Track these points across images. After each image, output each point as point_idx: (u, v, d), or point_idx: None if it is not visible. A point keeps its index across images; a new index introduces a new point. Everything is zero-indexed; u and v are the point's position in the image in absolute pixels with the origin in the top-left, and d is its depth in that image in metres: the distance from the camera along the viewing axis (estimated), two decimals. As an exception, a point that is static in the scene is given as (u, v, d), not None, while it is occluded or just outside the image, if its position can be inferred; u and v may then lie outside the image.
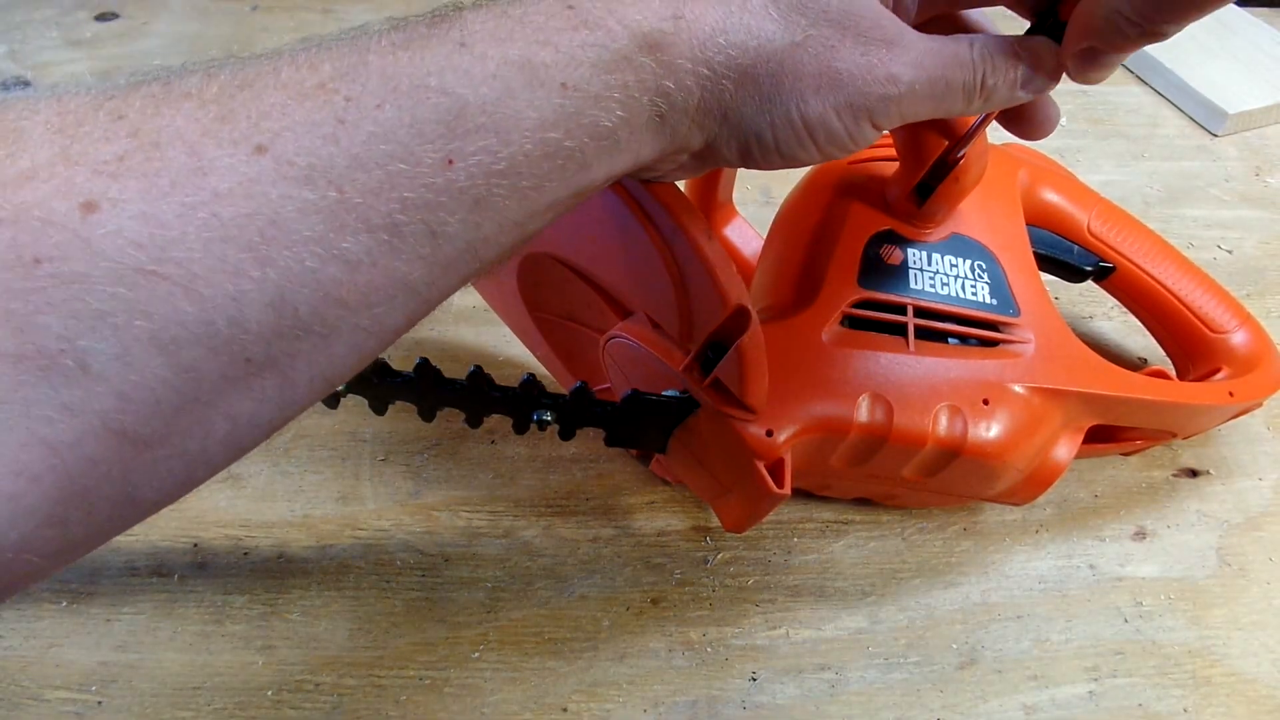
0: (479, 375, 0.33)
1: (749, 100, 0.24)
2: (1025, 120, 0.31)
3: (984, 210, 0.38)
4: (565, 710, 0.37)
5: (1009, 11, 0.29)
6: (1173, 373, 0.46)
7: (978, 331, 0.36)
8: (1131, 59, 0.74)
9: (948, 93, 0.26)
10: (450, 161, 0.20)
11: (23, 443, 0.17)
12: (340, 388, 0.33)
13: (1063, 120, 0.68)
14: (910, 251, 0.36)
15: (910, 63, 0.25)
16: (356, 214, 0.19)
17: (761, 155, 0.25)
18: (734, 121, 0.24)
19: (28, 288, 0.17)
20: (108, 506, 0.19)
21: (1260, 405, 0.45)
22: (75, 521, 0.19)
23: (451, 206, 0.20)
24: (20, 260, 0.17)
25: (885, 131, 0.26)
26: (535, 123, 0.21)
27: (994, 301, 0.36)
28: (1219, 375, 0.44)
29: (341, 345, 0.21)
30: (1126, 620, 0.40)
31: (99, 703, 0.36)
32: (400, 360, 0.33)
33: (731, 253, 0.48)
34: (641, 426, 0.35)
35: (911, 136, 0.33)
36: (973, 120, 0.32)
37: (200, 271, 0.18)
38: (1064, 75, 0.27)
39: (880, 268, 0.36)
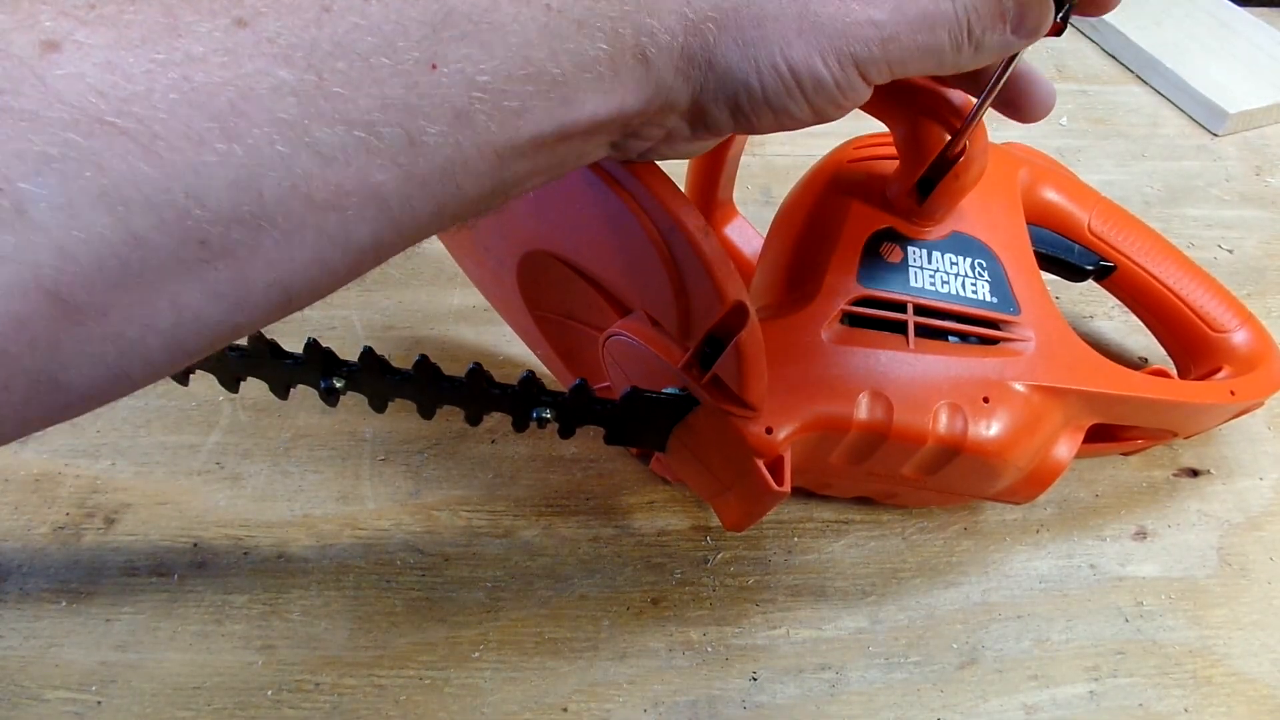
0: (478, 373, 0.33)
1: (732, 45, 0.24)
2: (1020, 102, 0.30)
3: (984, 208, 0.38)
4: (565, 710, 0.37)
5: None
6: (1174, 372, 0.46)
7: (978, 329, 0.36)
8: (1132, 59, 0.74)
9: (933, 41, 0.25)
10: (434, 66, 0.19)
11: None
12: (339, 384, 0.33)
13: (1063, 120, 0.69)
14: (910, 249, 0.36)
15: (889, 7, 0.24)
16: (334, 104, 0.19)
17: (752, 110, 0.25)
18: (720, 69, 0.24)
19: None
20: (25, 383, 0.17)
21: (1261, 405, 0.44)
22: None
23: (432, 114, 0.20)
24: None
25: (878, 84, 0.26)
26: (519, 39, 0.20)
27: (994, 299, 0.36)
28: (1220, 374, 0.44)
29: (304, 249, 0.19)
30: (1127, 620, 0.40)
31: (98, 703, 0.36)
32: (400, 359, 0.33)
33: (732, 252, 0.48)
34: (641, 424, 0.35)
35: (911, 132, 0.33)
36: (970, 108, 0.32)
37: (162, 133, 0.17)
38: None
39: (880, 265, 0.36)
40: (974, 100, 0.32)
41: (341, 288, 0.22)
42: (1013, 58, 0.28)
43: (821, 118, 0.26)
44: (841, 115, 0.26)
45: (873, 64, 0.25)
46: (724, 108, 0.25)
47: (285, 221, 0.19)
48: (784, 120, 0.25)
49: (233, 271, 0.19)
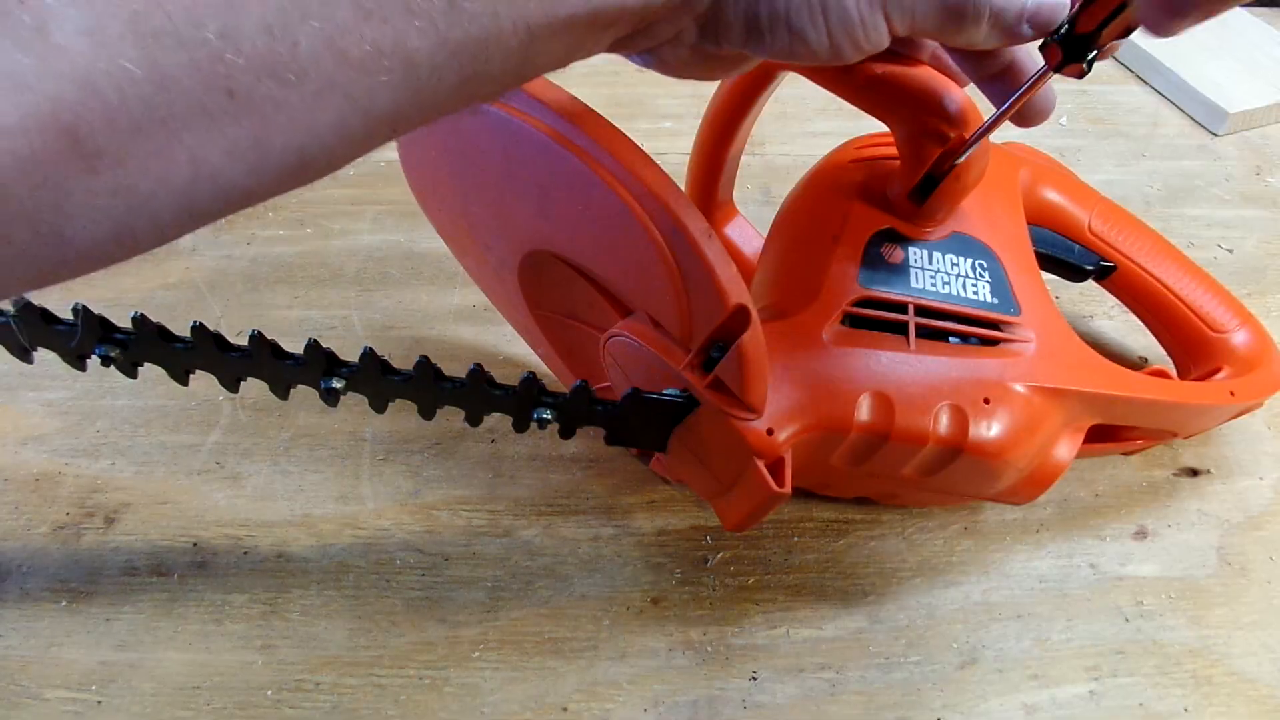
0: (479, 373, 0.33)
1: None
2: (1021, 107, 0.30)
3: (985, 209, 0.38)
4: (565, 710, 0.37)
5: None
6: (1173, 372, 0.46)
7: (979, 330, 0.36)
8: (1132, 59, 0.74)
9: (959, 7, 0.25)
10: None
11: None
12: (339, 385, 0.33)
13: (1063, 120, 0.69)
14: (911, 250, 0.36)
15: None
16: None
17: (770, 25, 0.24)
18: None
19: None
20: (26, 233, 0.16)
21: (1261, 405, 0.45)
22: None
23: None
24: None
25: (897, 34, 0.25)
26: None
27: (995, 300, 0.36)
28: (1220, 375, 0.44)
29: (328, 112, 0.18)
30: (1127, 620, 0.40)
31: (98, 702, 0.36)
32: (400, 359, 0.33)
33: (732, 252, 0.48)
34: (642, 425, 0.35)
35: (913, 134, 0.33)
36: (971, 109, 0.32)
37: None
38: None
39: (881, 266, 0.36)
40: (973, 98, 0.32)
41: (353, 159, 0.21)
42: (1039, 79, 0.28)
43: (836, 53, 0.25)
44: (857, 56, 0.26)
45: (897, 6, 0.25)
46: (740, 16, 0.24)
47: (316, 79, 0.18)
48: (796, 45, 0.25)
49: (256, 129, 0.17)
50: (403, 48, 0.18)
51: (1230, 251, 0.58)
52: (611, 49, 0.25)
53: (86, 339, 0.32)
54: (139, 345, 0.32)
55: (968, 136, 0.32)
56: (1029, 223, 0.40)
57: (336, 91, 0.18)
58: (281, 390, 0.35)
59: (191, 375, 0.35)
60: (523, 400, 0.34)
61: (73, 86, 0.15)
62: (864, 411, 0.33)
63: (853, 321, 0.35)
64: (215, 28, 0.16)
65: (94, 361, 0.33)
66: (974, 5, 0.25)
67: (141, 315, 0.31)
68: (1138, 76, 0.74)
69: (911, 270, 0.36)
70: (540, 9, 0.20)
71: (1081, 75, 0.27)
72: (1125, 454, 0.46)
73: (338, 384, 0.33)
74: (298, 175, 0.19)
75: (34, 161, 0.15)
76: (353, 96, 0.18)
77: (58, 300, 0.29)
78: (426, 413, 0.35)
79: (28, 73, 0.14)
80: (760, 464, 0.32)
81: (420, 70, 0.19)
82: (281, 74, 0.17)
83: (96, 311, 0.31)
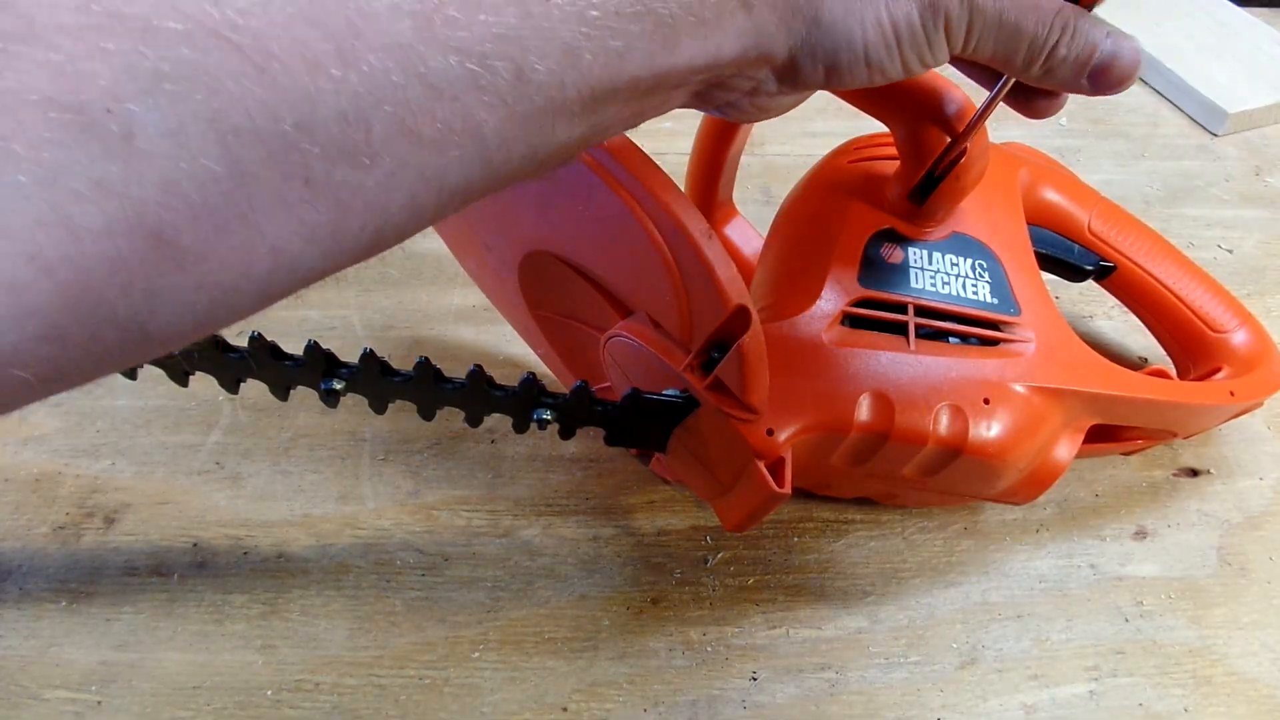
0: (479, 374, 0.33)
1: (838, 1, 0.24)
2: (1032, 95, 0.30)
3: (985, 209, 0.38)
4: (565, 710, 0.37)
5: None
6: (1173, 372, 0.46)
7: (978, 330, 0.36)
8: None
9: (1016, 38, 0.25)
10: None
11: (40, 219, 0.14)
12: (339, 386, 0.33)
13: (1062, 120, 0.69)
14: (911, 250, 0.36)
15: None
16: (450, 30, 0.17)
17: (849, 67, 0.25)
18: (825, 25, 0.24)
19: (79, 23, 0.14)
20: (115, 333, 0.16)
21: (1261, 405, 0.45)
22: (75, 343, 0.15)
23: (543, 49, 0.19)
24: None
25: (954, 52, 0.26)
26: None
27: (995, 300, 0.36)
28: (1220, 375, 0.44)
29: (401, 191, 0.18)
30: (1127, 620, 0.40)
31: (98, 702, 0.36)
32: (400, 359, 0.33)
33: (732, 252, 0.48)
34: (642, 426, 0.35)
35: (912, 133, 0.33)
36: (971, 114, 0.32)
37: (278, 53, 0.15)
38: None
39: (881, 267, 0.36)
40: (974, 103, 0.32)
41: (422, 229, 0.21)
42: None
43: (907, 74, 0.26)
44: (922, 71, 0.26)
45: (958, 26, 0.25)
46: (819, 64, 0.25)
47: (389, 160, 0.18)
48: (874, 76, 0.25)
49: (334, 215, 0.17)
50: (472, 123, 0.18)
51: (1230, 252, 0.58)
52: (687, 105, 0.25)
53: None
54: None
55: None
56: (1029, 223, 0.40)
57: (409, 170, 0.18)
58: (281, 391, 0.35)
59: (191, 376, 0.35)
60: (523, 401, 0.34)
61: (156, 189, 0.15)
62: (864, 412, 0.33)
63: (853, 322, 0.35)
64: (292, 120, 0.16)
65: (94, 362, 0.33)
66: (1033, 41, 0.25)
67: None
68: (1138, 76, 0.74)
69: (911, 270, 0.36)
70: (605, 75, 0.20)
71: None
72: (1125, 454, 0.47)
73: (338, 385, 0.33)
74: (369, 251, 0.20)
75: (121, 264, 0.15)
76: (424, 174, 0.18)
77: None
78: (426, 413, 0.35)
79: (113, 178, 0.14)
80: (760, 464, 0.32)
81: (489, 143, 0.19)
82: (356, 159, 0.17)
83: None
